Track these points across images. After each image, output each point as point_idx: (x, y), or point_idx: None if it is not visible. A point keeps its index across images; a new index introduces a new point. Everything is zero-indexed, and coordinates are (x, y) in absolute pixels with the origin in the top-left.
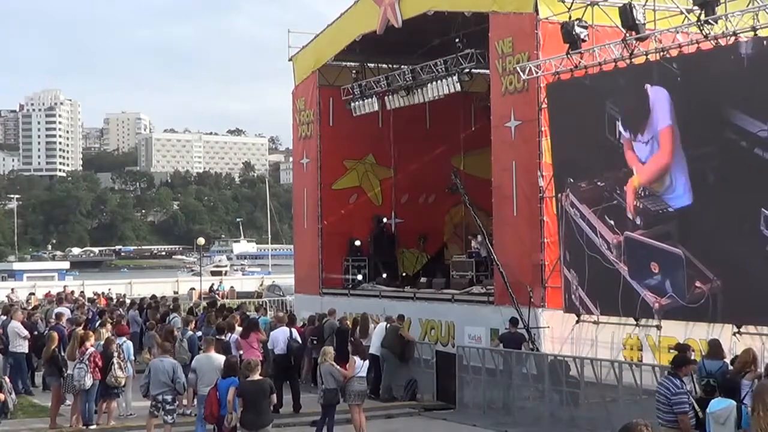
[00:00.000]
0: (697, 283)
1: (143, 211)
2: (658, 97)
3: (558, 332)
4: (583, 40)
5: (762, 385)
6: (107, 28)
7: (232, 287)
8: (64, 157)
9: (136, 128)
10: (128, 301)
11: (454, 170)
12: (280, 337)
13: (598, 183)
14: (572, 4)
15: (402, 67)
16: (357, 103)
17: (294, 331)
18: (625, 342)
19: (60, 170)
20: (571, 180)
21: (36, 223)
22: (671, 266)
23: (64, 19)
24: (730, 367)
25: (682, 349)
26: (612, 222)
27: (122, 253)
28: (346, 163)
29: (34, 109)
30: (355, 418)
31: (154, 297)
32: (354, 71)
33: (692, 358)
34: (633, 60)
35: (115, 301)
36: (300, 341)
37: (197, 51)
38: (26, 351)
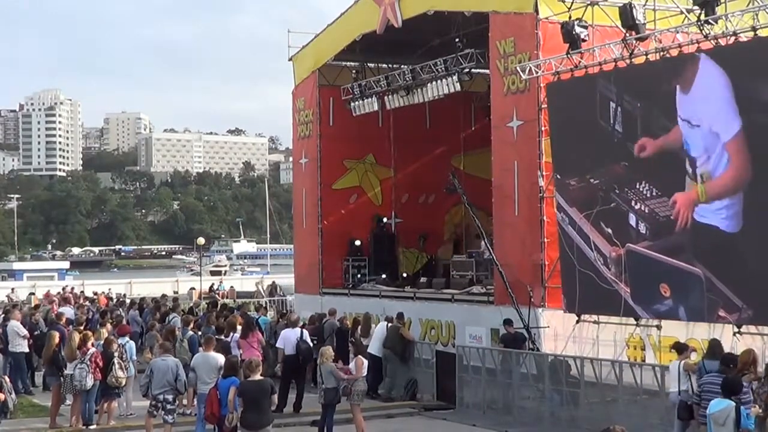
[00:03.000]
0: (721, 312)
1: (143, 211)
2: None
3: (558, 332)
4: (583, 40)
5: None
6: (107, 28)
7: (232, 287)
8: (64, 157)
9: (136, 128)
10: (128, 301)
11: (452, 171)
12: (290, 338)
13: (591, 180)
14: (572, 4)
15: (402, 67)
16: (357, 103)
17: (305, 332)
18: (628, 341)
19: (60, 170)
20: (558, 176)
21: (36, 223)
22: (686, 289)
23: (64, 18)
24: None
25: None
26: (609, 230)
27: (122, 253)
28: (346, 163)
29: (34, 109)
30: (357, 417)
31: (159, 296)
32: (354, 71)
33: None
34: (633, 60)
35: (115, 301)
36: (309, 343)
37: (197, 50)
38: (26, 350)
